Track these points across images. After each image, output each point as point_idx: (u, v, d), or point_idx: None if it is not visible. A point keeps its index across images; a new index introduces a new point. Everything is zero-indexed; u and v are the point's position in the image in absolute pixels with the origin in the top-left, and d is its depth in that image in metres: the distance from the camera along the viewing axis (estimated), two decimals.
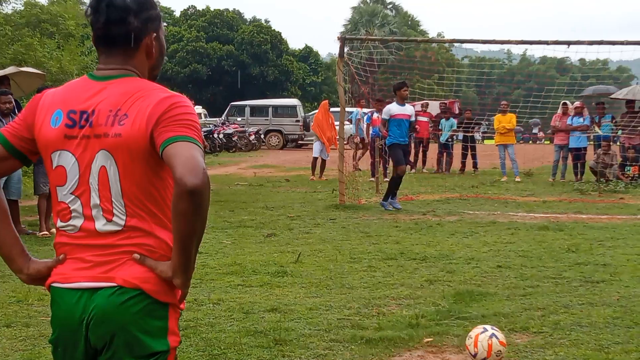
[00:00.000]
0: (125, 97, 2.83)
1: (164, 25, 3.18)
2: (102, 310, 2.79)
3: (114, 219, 2.83)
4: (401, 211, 15.13)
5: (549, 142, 43.47)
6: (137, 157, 2.80)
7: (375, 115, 22.71)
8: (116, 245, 2.83)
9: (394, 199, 15.44)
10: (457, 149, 26.76)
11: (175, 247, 2.75)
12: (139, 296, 2.81)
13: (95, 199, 2.84)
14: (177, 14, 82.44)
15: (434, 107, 30.56)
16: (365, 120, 25.61)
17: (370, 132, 23.24)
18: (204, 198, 2.69)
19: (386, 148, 15.94)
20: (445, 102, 32.33)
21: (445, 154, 26.43)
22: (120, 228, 2.83)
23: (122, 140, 2.78)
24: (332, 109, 24.11)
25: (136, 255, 2.82)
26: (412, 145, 27.04)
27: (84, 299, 2.82)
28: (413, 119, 15.70)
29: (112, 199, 2.82)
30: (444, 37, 74.42)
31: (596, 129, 22.43)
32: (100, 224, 2.84)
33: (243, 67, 69.79)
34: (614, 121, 22.82)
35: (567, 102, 23.86)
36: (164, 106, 2.79)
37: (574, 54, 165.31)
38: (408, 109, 15.47)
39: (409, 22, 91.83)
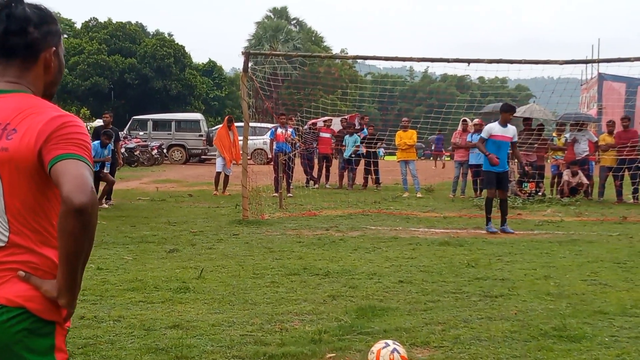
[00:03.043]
0: (16, 112, 2.79)
1: (64, 37, 3.17)
2: None
3: None
4: (303, 226, 15.19)
5: (449, 158, 44.22)
6: (23, 174, 2.75)
7: (279, 130, 22.75)
8: None
9: (488, 225, 14.81)
10: (359, 165, 26.98)
11: (61, 266, 2.71)
12: (23, 315, 2.76)
13: None
14: (79, 25, 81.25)
15: (336, 123, 30.76)
16: (269, 135, 25.67)
17: (274, 147, 23.25)
18: (92, 217, 2.66)
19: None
20: (347, 117, 32.61)
21: (348, 169, 26.58)
22: (2, 244, 2.78)
23: (9, 155, 2.74)
24: (236, 124, 24.04)
25: (21, 273, 2.77)
26: (316, 160, 27.27)
27: None
28: (515, 139, 15.05)
29: None
30: (347, 53, 75.26)
31: None
32: None
33: (146, 81, 69.13)
34: None
35: (467, 119, 24.34)
36: (55, 124, 2.76)
37: (474, 72, 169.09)
38: (510, 131, 14.81)
39: (313, 38, 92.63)
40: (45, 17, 2.95)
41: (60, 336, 2.90)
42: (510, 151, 15.12)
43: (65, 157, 2.70)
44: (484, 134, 14.97)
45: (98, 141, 18.81)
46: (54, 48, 2.99)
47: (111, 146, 19.20)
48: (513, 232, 14.54)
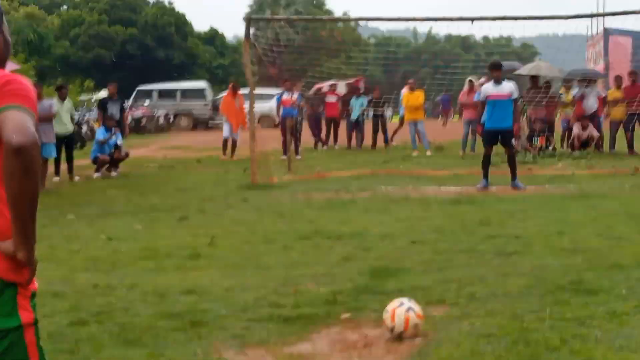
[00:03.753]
0: None
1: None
2: None
3: None
4: (313, 189, 15.12)
5: (457, 117, 44.02)
6: None
7: (285, 95, 22.70)
8: None
9: (514, 181, 14.73)
10: (367, 125, 26.92)
11: (11, 213, 2.78)
12: None
13: None
14: None
15: (342, 87, 30.66)
16: (275, 100, 25.63)
17: (281, 111, 23.20)
18: (32, 158, 2.73)
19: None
20: (351, 81, 32.51)
21: (356, 130, 26.53)
22: None
23: None
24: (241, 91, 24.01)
25: None
26: (323, 123, 27.23)
27: None
28: (515, 96, 14.82)
29: None
30: (349, 16, 74.79)
31: None
32: None
33: (148, 51, 68.77)
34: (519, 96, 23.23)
35: (473, 79, 24.22)
36: (0, 82, 2.87)
37: (478, 30, 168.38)
38: (505, 88, 14.62)
39: (314, 2, 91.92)
40: None
41: (22, 297, 2.93)
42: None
43: (8, 107, 2.80)
44: (481, 97, 15.05)
45: (103, 126, 19.09)
46: None
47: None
48: (525, 187, 14.47)
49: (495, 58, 17.08)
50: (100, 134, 19.12)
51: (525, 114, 23.10)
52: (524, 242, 9.12)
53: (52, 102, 16.98)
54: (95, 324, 6.16)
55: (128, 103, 40.46)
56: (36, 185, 2.79)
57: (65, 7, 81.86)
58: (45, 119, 16.39)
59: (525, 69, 25.48)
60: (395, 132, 27.22)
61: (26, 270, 2.86)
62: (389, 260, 8.39)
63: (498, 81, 14.68)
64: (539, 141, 21.92)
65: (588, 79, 22.87)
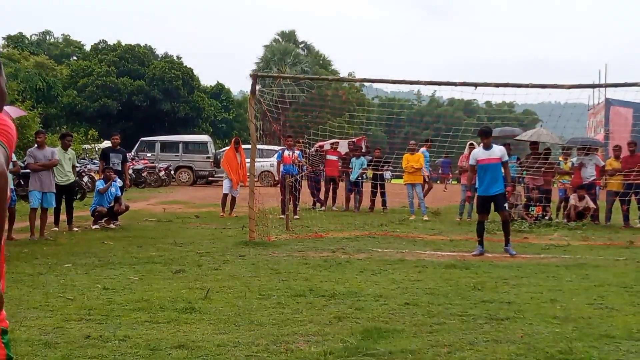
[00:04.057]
0: None
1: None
2: None
3: None
4: (310, 248, 15.19)
5: (456, 182, 44.13)
6: None
7: (286, 152, 22.82)
8: None
9: (506, 246, 14.92)
10: (366, 187, 27.00)
11: None
12: None
13: None
14: (88, 47, 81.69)
15: (343, 146, 30.82)
16: (276, 157, 25.74)
17: (281, 169, 23.30)
18: None
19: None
20: (354, 140, 32.67)
21: (355, 192, 26.59)
22: None
23: None
24: (244, 146, 24.16)
25: None
26: (322, 183, 27.27)
27: None
28: (505, 159, 14.95)
29: None
30: (354, 76, 75.27)
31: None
32: None
33: (154, 103, 69.33)
34: (518, 162, 23.38)
35: (474, 142, 24.35)
36: None
37: (481, 96, 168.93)
38: (495, 152, 14.85)
39: (321, 62, 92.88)
40: None
41: None
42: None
43: None
44: (471, 162, 15.17)
45: (102, 180, 19.28)
46: None
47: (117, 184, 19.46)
48: (515, 253, 14.54)
49: (486, 125, 17.10)
50: (100, 184, 19.34)
51: (523, 181, 23.19)
52: (516, 309, 9.14)
53: (54, 150, 17.13)
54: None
55: (131, 155, 40.72)
56: (1, 216, 2.88)
57: (74, 57, 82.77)
58: (47, 166, 16.56)
59: (526, 135, 25.63)
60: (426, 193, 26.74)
61: None
62: (381, 321, 8.41)
63: (488, 146, 14.87)
64: (535, 210, 22.01)
65: (588, 148, 22.97)
